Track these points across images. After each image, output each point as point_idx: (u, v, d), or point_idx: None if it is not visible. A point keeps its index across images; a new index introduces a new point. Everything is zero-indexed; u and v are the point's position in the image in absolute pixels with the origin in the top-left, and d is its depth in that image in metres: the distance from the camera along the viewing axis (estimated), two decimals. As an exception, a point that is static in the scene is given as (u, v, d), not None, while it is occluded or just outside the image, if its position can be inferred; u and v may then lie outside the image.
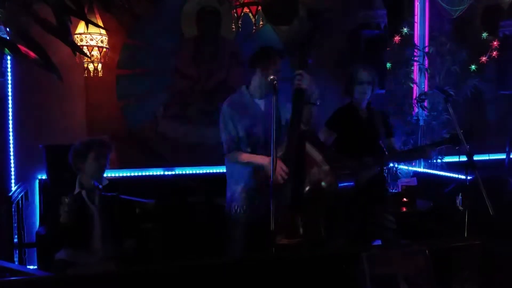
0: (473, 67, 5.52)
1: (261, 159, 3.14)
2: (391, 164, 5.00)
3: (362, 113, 3.69)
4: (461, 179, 3.89)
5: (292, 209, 3.01)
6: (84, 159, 3.11)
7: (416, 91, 5.58)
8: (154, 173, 4.89)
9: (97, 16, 4.19)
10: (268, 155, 3.04)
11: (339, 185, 3.23)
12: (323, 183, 3.05)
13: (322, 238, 3.11)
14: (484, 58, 5.53)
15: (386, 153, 3.74)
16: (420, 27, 5.70)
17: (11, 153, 4.39)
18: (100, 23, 4.22)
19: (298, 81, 3.07)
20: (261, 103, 3.35)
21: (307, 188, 3.05)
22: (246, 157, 3.26)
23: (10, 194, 4.11)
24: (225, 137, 3.32)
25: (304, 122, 3.11)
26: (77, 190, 3.11)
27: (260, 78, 3.26)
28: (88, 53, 4.29)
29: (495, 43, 5.52)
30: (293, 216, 3.03)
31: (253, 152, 3.27)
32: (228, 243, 3.39)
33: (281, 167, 3.01)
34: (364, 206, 3.53)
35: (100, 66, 4.47)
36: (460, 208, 3.40)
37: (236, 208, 3.35)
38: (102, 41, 4.37)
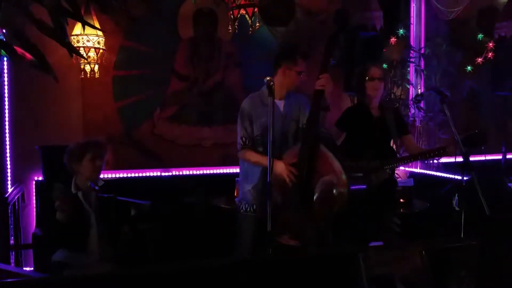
0: (469, 68, 5.54)
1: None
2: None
3: (373, 111, 3.59)
4: (457, 179, 3.90)
5: (300, 211, 3.02)
6: (80, 161, 3.10)
7: (412, 92, 5.60)
8: (151, 174, 4.89)
9: (94, 17, 4.19)
10: (282, 156, 3.10)
11: (351, 187, 3.23)
12: (334, 191, 3.03)
13: (328, 242, 3.11)
14: (479, 59, 5.54)
15: (398, 155, 3.70)
16: (416, 29, 5.71)
17: (8, 154, 4.37)
18: (97, 25, 4.22)
19: (321, 83, 3.10)
20: (280, 104, 3.32)
21: (317, 193, 3.04)
22: (255, 156, 3.26)
23: (7, 195, 4.10)
24: (240, 133, 3.34)
25: (321, 125, 3.13)
26: (73, 191, 3.10)
27: (281, 79, 3.25)
28: (84, 55, 4.28)
29: (491, 44, 5.53)
30: (300, 218, 3.04)
31: (266, 152, 3.25)
32: (237, 240, 3.40)
33: (290, 170, 3.04)
34: (372, 207, 3.48)
35: (96, 67, 4.47)
36: (457, 208, 3.40)
37: (245, 206, 3.37)
38: (98, 42, 4.36)
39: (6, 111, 4.36)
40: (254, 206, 3.32)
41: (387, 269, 1.87)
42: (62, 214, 2.86)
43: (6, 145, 4.37)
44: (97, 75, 4.50)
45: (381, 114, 3.61)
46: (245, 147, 3.30)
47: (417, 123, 5.46)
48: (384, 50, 5.20)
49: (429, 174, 5.32)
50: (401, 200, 4.36)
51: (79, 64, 4.44)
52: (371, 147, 3.48)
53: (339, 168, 3.05)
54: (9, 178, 4.36)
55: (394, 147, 3.68)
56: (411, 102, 5.42)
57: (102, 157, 3.16)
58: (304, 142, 3.10)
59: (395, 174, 5.04)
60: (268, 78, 2.97)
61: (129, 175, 4.81)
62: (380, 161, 3.47)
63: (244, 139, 3.30)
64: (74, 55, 3.17)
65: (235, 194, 3.99)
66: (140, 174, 4.85)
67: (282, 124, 3.26)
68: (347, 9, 3.28)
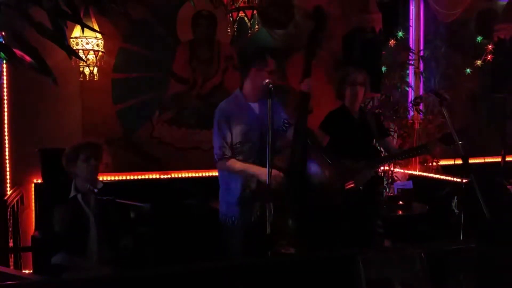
0: (468, 70, 5.54)
1: (255, 169, 3.05)
2: (387, 167, 5.00)
3: (354, 114, 3.65)
4: (456, 182, 3.91)
5: (295, 216, 2.98)
6: (75, 162, 3.10)
7: (411, 95, 5.60)
8: (150, 177, 4.89)
9: (93, 20, 4.19)
10: (262, 162, 2.96)
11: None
12: (328, 194, 3.02)
13: (324, 246, 3.09)
14: (478, 62, 5.55)
15: (382, 155, 3.73)
16: (415, 31, 5.72)
17: (7, 157, 4.37)
18: (96, 27, 4.23)
19: (305, 87, 3.06)
20: (255, 107, 3.24)
21: (312, 197, 3.02)
22: (239, 165, 3.15)
23: (6, 198, 4.10)
24: (218, 142, 3.18)
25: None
26: (72, 193, 3.10)
27: (253, 80, 3.16)
28: (83, 57, 4.28)
29: (490, 46, 5.54)
30: (295, 224, 3.00)
31: (246, 159, 3.17)
32: (226, 253, 3.31)
33: (275, 176, 2.91)
34: (353, 208, 3.47)
35: (95, 70, 4.47)
36: (456, 211, 3.41)
37: (233, 219, 3.25)
38: (97, 45, 4.36)
39: (5, 113, 4.36)
40: (242, 219, 3.20)
41: (386, 272, 1.87)
42: (60, 228, 2.87)
43: (5, 147, 4.36)
44: (96, 78, 4.50)
45: (361, 116, 3.67)
46: (225, 157, 3.16)
47: (416, 126, 5.46)
48: (383, 52, 5.21)
49: (428, 176, 5.32)
50: (400, 202, 4.37)
51: (78, 67, 4.44)
52: (355, 148, 3.49)
53: (331, 170, 3.04)
54: (8, 181, 4.36)
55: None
56: (410, 104, 5.43)
57: (97, 157, 3.14)
58: (294, 147, 3.02)
59: (395, 177, 5.06)
60: (267, 81, 2.96)
61: (128, 177, 4.80)
62: (365, 161, 3.48)
63: (223, 149, 3.16)
64: (73, 57, 3.17)
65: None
66: (139, 177, 4.85)
67: (260, 127, 3.13)
68: (323, 6, 3.21)
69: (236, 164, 3.16)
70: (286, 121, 3.28)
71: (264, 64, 3.15)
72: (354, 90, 3.58)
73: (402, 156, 3.92)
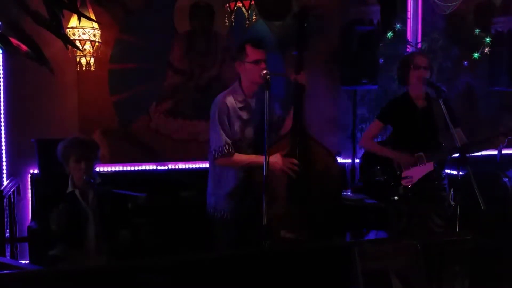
0: (465, 63, 5.53)
1: (261, 158, 2.94)
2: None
3: (418, 103, 3.49)
4: (453, 174, 3.90)
5: (296, 202, 3.02)
6: (67, 163, 3.06)
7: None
8: (147, 168, 4.88)
9: (90, 10, 4.17)
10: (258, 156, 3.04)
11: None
12: (327, 179, 3.05)
13: (324, 231, 3.09)
14: (476, 54, 5.54)
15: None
16: (413, 23, 5.71)
17: (3, 147, 4.36)
18: (93, 17, 4.20)
19: (303, 79, 3.11)
20: (252, 101, 3.22)
21: (311, 183, 3.06)
22: (245, 158, 3.12)
23: (2, 188, 4.09)
24: (218, 139, 3.10)
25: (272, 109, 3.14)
26: (70, 189, 3.07)
27: (242, 75, 3.17)
28: (80, 47, 4.26)
29: (488, 39, 5.53)
30: (296, 210, 3.04)
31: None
32: (216, 246, 3.31)
33: (289, 161, 3.02)
34: (412, 205, 3.43)
35: (92, 60, 4.44)
36: (452, 203, 3.41)
37: (222, 213, 3.23)
38: (94, 35, 4.34)
39: (2, 104, 4.35)
40: (232, 212, 3.20)
41: (382, 263, 1.87)
42: (58, 226, 2.87)
43: (1, 138, 4.36)
44: (92, 68, 4.48)
45: (426, 105, 3.51)
46: (229, 154, 3.09)
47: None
48: (380, 44, 5.20)
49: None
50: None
51: (75, 57, 4.42)
52: (416, 140, 3.41)
53: (330, 155, 3.13)
54: (4, 171, 4.36)
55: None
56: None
57: (88, 158, 3.06)
58: (293, 136, 3.09)
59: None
60: (264, 72, 2.94)
61: (124, 168, 4.80)
62: (424, 154, 3.41)
63: (227, 146, 3.08)
64: (69, 48, 3.16)
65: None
66: (136, 168, 4.84)
67: (256, 123, 3.15)
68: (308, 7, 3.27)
69: (242, 157, 3.13)
70: (280, 116, 3.37)
71: (244, 55, 3.11)
72: (419, 73, 3.42)
73: (464, 150, 3.64)
